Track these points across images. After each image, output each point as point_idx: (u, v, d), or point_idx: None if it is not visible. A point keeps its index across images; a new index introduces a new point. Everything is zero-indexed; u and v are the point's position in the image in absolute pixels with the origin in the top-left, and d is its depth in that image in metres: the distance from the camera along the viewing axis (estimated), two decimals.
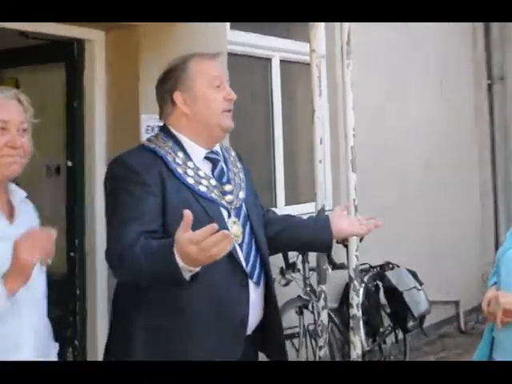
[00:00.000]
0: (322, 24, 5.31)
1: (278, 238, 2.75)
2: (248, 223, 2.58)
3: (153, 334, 2.45)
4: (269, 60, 5.34)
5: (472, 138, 7.63)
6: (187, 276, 2.16)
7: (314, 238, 2.74)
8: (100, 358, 3.99)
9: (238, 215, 2.54)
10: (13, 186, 2.32)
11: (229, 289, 2.44)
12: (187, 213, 2.10)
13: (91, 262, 4.13)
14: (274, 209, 3.63)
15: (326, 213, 3.84)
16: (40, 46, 4.20)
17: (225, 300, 2.43)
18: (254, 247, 2.56)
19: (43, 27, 3.73)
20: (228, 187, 2.54)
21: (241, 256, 2.48)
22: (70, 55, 4.13)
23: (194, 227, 2.26)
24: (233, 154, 2.76)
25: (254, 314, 2.53)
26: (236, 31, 4.86)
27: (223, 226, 2.40)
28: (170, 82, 2.58)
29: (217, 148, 2.63)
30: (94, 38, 4.08)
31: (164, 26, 4.03)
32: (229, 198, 2.53)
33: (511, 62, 7.73)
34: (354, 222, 2.77)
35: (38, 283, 2.28)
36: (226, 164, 2.64)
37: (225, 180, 2.56)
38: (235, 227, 2.49)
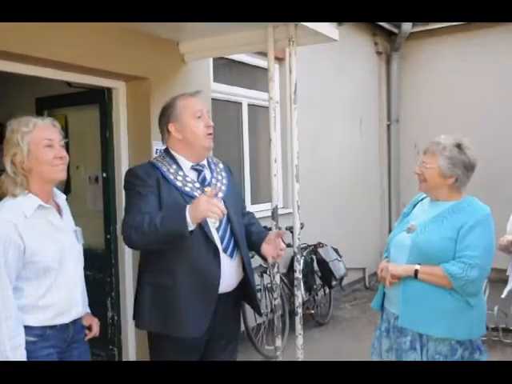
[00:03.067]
0: (277, 79, 5.44)
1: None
2: (224, 215, 2.49)
3: (154, 289, 2.49)
4: (240, 104, 5.37)
5: (376, 161, 7.70)
6: (189, 229, 2.25)
7: (254, 244, 2.68)
8: (129, 304, 4.10)
9: None
10: (56, 190, 2.30)
11: (205, 260, 2.43)
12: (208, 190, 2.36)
13: (121, 242, 4.14)
14: None
15: (280, 209, 3.94)
16: (81, 92, 4.21)
17: (202, 268, 2.44)
18: (228, 231, 2.53)
19: (83, 79, 3.77)
20: (207, 189, 2.50)
21: (215, 236, 2.46)
22: (102, 99, 4.13)
23: None
24: (220, 165, 2.73)
25: (230, 277, 2.53)
26: (217, 83, 4.89)
27: None
28: (165, 116, 2.58)
29: (204, 161, 2.62)
30: (118, 86, 4.08)
31: (167, 77, 4.10)
32: None
33: (404, 108, 7.77)
34: (274, 248, 2.59)
35: (79, 248, 2.32)
36: (212, 172, 2.62)
37: (206, 184, 2.55)
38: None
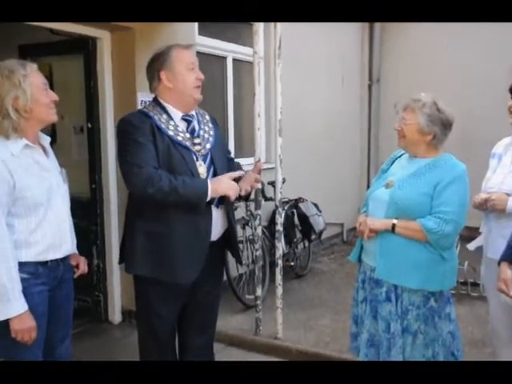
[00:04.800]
0: (262, 33, 5.31)
1: None
2: (211, 166, 2.55)
3: (147, 236, 2.49)
4: (224, 58, 5.27)
5: (357, 119, 7.65)
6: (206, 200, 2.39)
7: None
8: (114, 252, 4.11)
9: (204, 160, 2.52)
10: (40, 133, 2.26)
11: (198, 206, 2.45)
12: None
13: (106, 190, 4.16)
14: None
15: (263, 164, 3.94)
16: (66, 41, 4.10)
17: (195, 217, 2.46)
18: None
19: (67, 27, 3.68)
20: (197, 140, 2.52)
21: None
22: (86, 48, 4.06)
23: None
24: (207, 117, 2.70)
25: (216, 227, 2.56)
26: (202, 37, 4.78)
27: (192, 165, 2.47)
28: (157, 63, 2.52)
29: (193, 112, 2.59)
30: (103, 36, 4.01)
31: (152, 28, 4.00)
32: (197, 147, 2.51)
33: (385, 70, 7.67)
34: (248, 182, 2.59)
35: (65, 188, 2.30)
36: (199, 123, 2.60)
37: (195, 135, 2.54)
38: (201, 168, 2.49)
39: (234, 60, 5.36)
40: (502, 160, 2.76)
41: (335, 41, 6.80)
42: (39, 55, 4.31)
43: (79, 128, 4.26)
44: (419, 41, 7.35)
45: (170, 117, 2.50)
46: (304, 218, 5.51)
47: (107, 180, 4.14)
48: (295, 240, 5.57)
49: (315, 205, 5.72)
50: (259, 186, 2.72)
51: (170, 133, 2.45)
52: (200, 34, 4.68)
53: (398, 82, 7.51)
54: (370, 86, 7.73)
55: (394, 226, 2.49)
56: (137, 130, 2.40)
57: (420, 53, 7.35)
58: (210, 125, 2.67)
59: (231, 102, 5.35)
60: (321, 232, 5.68)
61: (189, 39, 4.22)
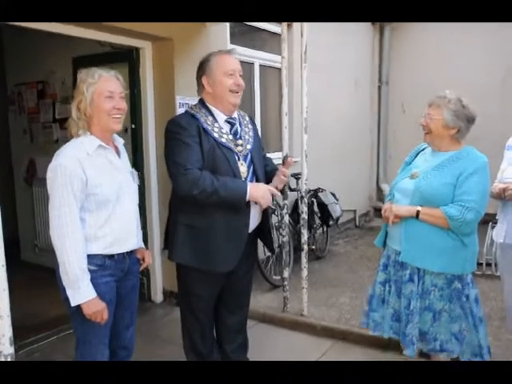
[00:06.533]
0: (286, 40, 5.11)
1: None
2: (251, 165, 2.45)
3: (189, 229, 2.38)
4: (252, 64, 5.09)
5: (368, 117, 7.45)
6: (244, 202, 2.31)
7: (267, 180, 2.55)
8: (155, 240, 4.01)
9: (245, 159, 2.42)
10: (115, 135, 2.19)
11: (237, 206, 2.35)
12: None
13: (148, 183, 4.02)
14: None
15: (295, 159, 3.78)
16: (112, 52, 3.97)
17: (235, 215, 2.36)
18: (254, 180, 2.44)
19: (114, 39, 3.56)
20: (239, 141, 2.41)
21: None
22: (131, 58, 3.92)
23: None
24: (247, 118, 2.59)
25: (254, 220, 2.46)
26: (233, 45, 4.57)
27: (235, 165, 2.35)
28: (200, 70, 2.42)
29: (235, 114, 2.47)
30: (145, 46, 3.87)
31: (189, 38, 3.87)
32: (239, 148, 2.40)
33: (393, 73, 7.47)
34: (278, 179, 2.53)
35: (134, 187, 2.22)
36: (240, 125, 2.48)
37: (238, 136, 2.42)
38: (242, 167, 2.38)
39: (261, 66, 5.18)
40: None
41: (349, 47, 6.62)
42: (89, 65, 4.21)
43: (124, 129, 4.10)
44: (424, 46, 7.14)
45: (214, 119, 2.39)
46: (323, 206, 5.37)
47: (149, 174, 4.00)
48: (315, 226, 5.42)
49: (333, 194, 5.56)
50: (288, 179, 2.57)
51: (215, 134, 2.34)
52: (232, 42, 4.51)
53: (404, 84, 7.40)
54: (379, 88, 7.55)
55: (418, 212, 2.34)
56: (184, 130, 2.29)
57: (424, 57, 7.14)
58: (250, 126, 2.57)
59: (258, 103, 5.19)
60: (338, 218, 5.52)
61: (222, 47, 4.08)
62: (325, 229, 5.64)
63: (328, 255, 5.60)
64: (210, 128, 2.34)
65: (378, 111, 7.60)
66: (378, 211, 7.71)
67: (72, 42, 3.74)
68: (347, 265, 5.28)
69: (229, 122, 2.42)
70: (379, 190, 7.70)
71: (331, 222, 5.48)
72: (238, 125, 2.45)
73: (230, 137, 2.39)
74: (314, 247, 5.33)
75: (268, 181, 2.56)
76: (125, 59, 3.95)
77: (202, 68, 2.41)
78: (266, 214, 2.56)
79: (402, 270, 2.44)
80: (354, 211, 7.11)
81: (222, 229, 2.34)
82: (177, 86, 3.82)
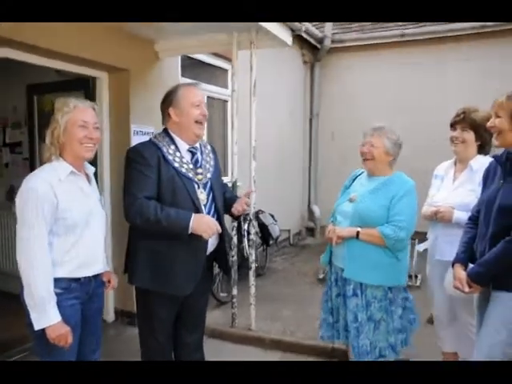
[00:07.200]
0: (229, 76, 5.24)
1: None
2: (211, 193, 2.41)
3: (150, 253, 2.32)
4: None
5: (301, 145, 7.75)
6: (187, 234, 2.21)
7: (226, 206, 2.56)
8: (108, 260, 3.82)
9: (204, 187, 2.38)
10: (86, 163, 2.16)
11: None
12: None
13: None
14: None
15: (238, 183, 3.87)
16: (67, 80, 3.91)
17: (194, 238, 2.25)
18: (213, 207, 2.41)
19: (72, 68, 3.51)
20: (199, 170, 2.37)
21: (204, 211, 2.33)
22: (87, 87, 3.86)
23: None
24: (208, 147, 2.55)
25: (211, 243, 2.42)
26: (184, 78, 4.62)
27: (194, 194, 2.32)
28: (167, 100, 2.38)
29: (197, 144, 2.44)
30: (101, 76, 3.83)
31: (143, 70, 3.88)
32: (199, 177, 2.36)
33: (323, 106, 7.83)
34: (240, 205, 2.55)
35: (102, 213, 2.18)
36: (202, 154, 2.45)
37: (198, 165, 2.39)
38: (202, 195, 2.34)
39: (208, 97, 5.24)
40: (444, 180, 2.81)
41: (284, 82, 6.89)
42: (44, 93, 4.10)
43: None
44: (349, 85, 7.61)
45: (177, 148, 2.35)
46: (263, 227, 5.46)
47: (104, 198, 3.89)
48: (256, 245, 5.45)
49: (272, 215, 5.68)
50: (248, 208, 2.61)
51: (176, 164, 2.30)
52: (183, 75, 4.56)
53: (332, 116, 7.79)
54: (310, 120, 7.89)
55: (358, 233, 2.49)
56: (143, 159, 2.24)
57: (349, 94, 7.59)
58: (211, 155, 2.53)
59: (205, 131, 5.21)
60: (277, 238, 5.64)
61: (174, 80, 4.13)
62: (265, 247, 5.75)
63: (268, 272, 5.70)
64: (171, 158, 2.30)
65: (309, 139, 7.93)
66: (309, 230, 8.02)
67: (27, 68, 3.63)
68: (286, 280, 5.40)
69: (190, 152, 2.40)
70: (310, 211, 7.97)
71: (271, 242, 5.59)
72: (199, 154, 2.43)
73: (191, 166, 2.35)
74: (256, 265, 5.40)
75: (227, 207, 2.57)
76: (81, 88, 3.87)
77: (169, 99, 2.37)
78: (222, 237, 2.51)
79: (347, 284, 2.57)
80: (289, 230, 7.27)
81: (180, 253, 2.30)
82: (132, 114, 3.80)
